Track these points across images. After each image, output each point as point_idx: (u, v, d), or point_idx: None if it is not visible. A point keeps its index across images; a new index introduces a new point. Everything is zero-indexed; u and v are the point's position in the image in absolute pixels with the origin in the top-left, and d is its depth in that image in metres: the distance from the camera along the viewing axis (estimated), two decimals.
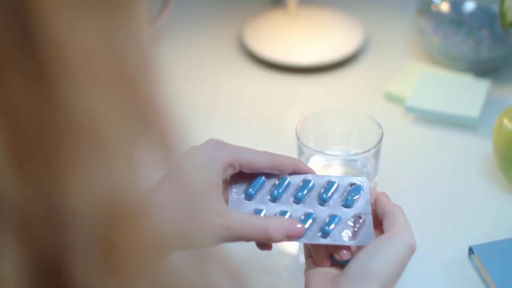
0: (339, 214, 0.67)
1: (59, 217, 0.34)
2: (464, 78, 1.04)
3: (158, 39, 1.12)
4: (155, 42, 0.39)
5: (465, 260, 0.79)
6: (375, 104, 1.03)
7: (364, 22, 1.17)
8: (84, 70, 0.34)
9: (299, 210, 0.68)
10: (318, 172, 0.72)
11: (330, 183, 0.70)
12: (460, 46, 1.05)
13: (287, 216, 0.68)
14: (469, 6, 1.06)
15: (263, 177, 0.70)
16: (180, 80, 1.07)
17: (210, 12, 1.22)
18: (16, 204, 0.34)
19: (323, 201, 0.69)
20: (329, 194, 0.69)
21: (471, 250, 0.79)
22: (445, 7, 1.06)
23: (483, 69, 1.07)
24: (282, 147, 0.75)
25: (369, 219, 0.67)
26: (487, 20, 1.05)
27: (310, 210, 0.68)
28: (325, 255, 0.66)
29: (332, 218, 0.67)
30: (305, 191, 0.69)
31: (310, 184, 0.70)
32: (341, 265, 0.66)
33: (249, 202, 0.69)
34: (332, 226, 0.66)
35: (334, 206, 0.68)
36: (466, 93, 1.01)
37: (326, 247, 0.66)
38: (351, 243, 0.65)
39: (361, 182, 0.70)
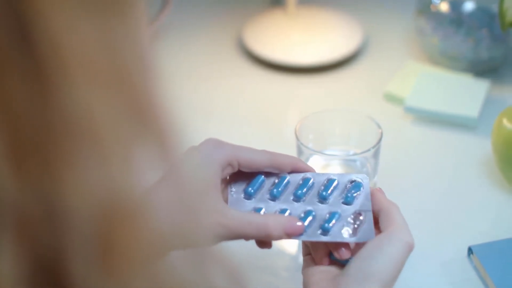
0: (339, 211, 0.67)
1: (58, 217, 0.34)
2: (463, 78, 1.04)
3: (157, 39, 1.12)
4: (154, 42, 0.39)
5: (464, 260, 0.79)
6: (374, 104, 1.03)
7: (364, 22, 1.17)
8: (83, 70, 0.34)
9: (299, 208, 0.68)
10: (317, 172, 0.72)
11: (330, 181, 0.70)
12: (459, 46, 1.05)
13: (286, 214, 0.68)
14: (469, 6, 1.06)
15: (262, 176, 0.70)
16: (180, 80, 1.07)
17: (210, 12, 1.22)
18: (15, 204, 0.34)
19: (323, 199, 0.69)
20: (329, 192, 0.69)
21: (470, 250, 0.79)
22: (444, 7, 1.06)
23: (483, 69, 1.07)
24: (282, 147, 0.75)
25: (369, 216, 0.67)
26: (487, 20, 1.05)
27: (309, 208, 0.68)
28: (324, 253, 0.66)
29: (332, 215, 0.67)
30: (305, 189, 0.69)
31: (310, 182, 0.70)
32: (339, 263, 0.66)
33: (249, 201, 0.69)
34: (332, 223, 0.66)
35: (334, 204, 0.68)
36: (466, 93, 1.01)
37: (326, 245, 0.66)
38: (351, 240, 0.65)
39: (361, 179, 0.70)
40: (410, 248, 0.63)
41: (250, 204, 0.68)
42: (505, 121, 0.86)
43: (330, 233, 0.66)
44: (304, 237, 0.66)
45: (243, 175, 0.69)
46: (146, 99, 0.37)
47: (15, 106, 0.33)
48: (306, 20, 1.15)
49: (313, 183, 0.70)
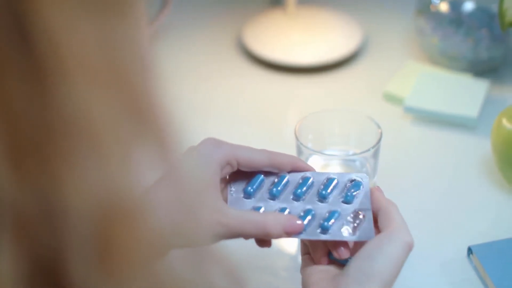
0: (339, 210, 0.67)
1: (57, 216, 0.34)
2: (463, 78, 1.04)
3: (157, 39, 1.12)
4: (154, 42, 0.39)
5: (464, 260, 0.79)
6: (374, 104, 1.03)
7: (363, 22, 1.17)
8: (82, 70, 0.34)
9: (298, 207, 0.68)
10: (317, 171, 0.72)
11: (329, 180, 0.70)
12: (459, 46, 1.05)
13: (286, 212, 0.68)
14: (468, 6, 1.06)
15: (262, 175, 0.70)
16: (179, 80, 1.07)
17: (210, 12, 1.22)
18: (14, 204, 0.34)
19: (322, 198, 0.69)
20: (328, 191, 0.69)
21: (470, 250, 0.79)
22: (444, 7, 1.06)
23: (482, 69, 1.07)
24: (281, 147, 0.75)
25: (369, 214, 0.67)
26: (486, 20, 1.05)
27: (309, 207, 0.68)
28: (323, 253, 0.66)
29: (332, 214, 0.67)
30: (304, 188, 0.69)
31: (309, 181, 0.70)
32: (338, 263, 0.66)
33: (248, 200, 0.69)
34: (332, 221, 0.66)
35: (333, 203, 0.68)
36: (465, 93, 1.01)
37: (325, 244, 0.66)
38: (351, 239, 0.65)
39: (361, 178, 0.70)
40: (409, 247, 0.63)
41: (250, 203, 0.68)
42: (504, 121, 0.86)
43: (329, 231, 0.66)
44: (304, 236, 0.66)
45: (242, 175, 0.69)
46: (146, 99, 0.37)
47: (14, 106, 0.33)
48: (306, 20, 1.15)
49: (312, 182, 0.70)
